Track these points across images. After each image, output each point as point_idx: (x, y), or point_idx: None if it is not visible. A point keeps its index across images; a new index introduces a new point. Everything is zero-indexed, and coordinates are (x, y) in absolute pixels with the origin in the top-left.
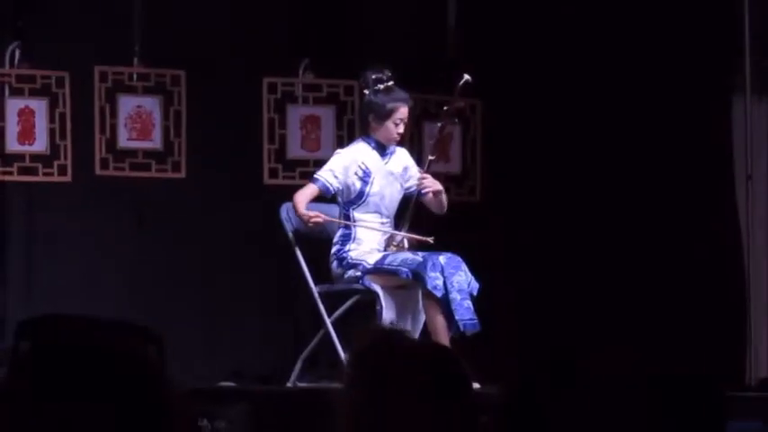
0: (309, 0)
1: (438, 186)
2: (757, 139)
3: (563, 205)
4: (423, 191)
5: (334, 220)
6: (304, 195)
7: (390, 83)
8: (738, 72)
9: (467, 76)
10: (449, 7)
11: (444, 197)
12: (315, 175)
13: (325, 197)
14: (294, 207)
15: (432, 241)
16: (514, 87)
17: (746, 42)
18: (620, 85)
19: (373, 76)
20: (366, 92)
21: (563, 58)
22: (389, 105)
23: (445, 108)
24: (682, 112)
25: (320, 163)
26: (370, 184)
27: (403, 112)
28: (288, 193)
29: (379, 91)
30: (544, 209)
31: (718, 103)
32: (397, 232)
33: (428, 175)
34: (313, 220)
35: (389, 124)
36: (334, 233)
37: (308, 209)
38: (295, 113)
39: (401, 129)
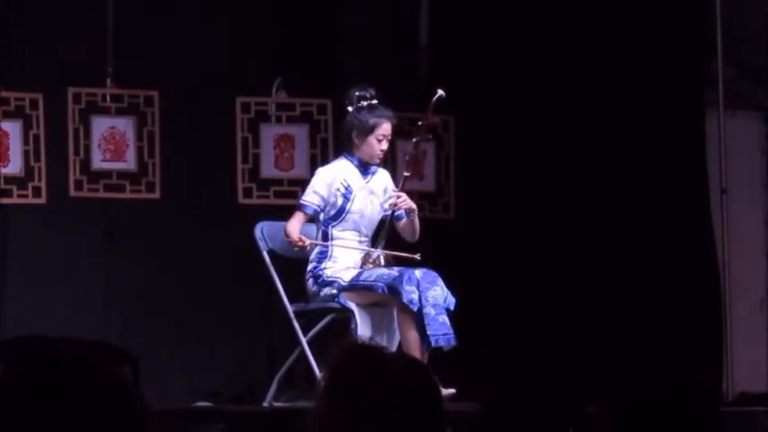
0: (282, 19)
1: (411, 204)
2: (730, 154)
3: (537, 220)
4: (396, 208)
5: (317, 242)
6: (294, 226)
7: (374, 101)
8: (712, 87)
9: (440, 92)
10: (421, 24)
11: (417, 222)
12: (301, 202)
13: (313, 218)
14: (288, 237)
15: (419, 258)
16: (487, 103)
17: (719, 57)
18: (594, 98)
19: (357, 93)
20: (349, 109)
21: (536, 73)
22: (372, 121)
23: (420, 123)
24: (656, 126)
25: (294, 182)
26: (350, 201)
27: (386, 128)
28: (262, 213)
29: (362, 108)
30: (519, 224)
31: (692, 117)
32: (375, 250)
33: (402, 193)
34: (299, 245)
35: (372, 140)
36: (311, 251)
37: (291, 232)
38: (268, 133)
39: (384, 145)
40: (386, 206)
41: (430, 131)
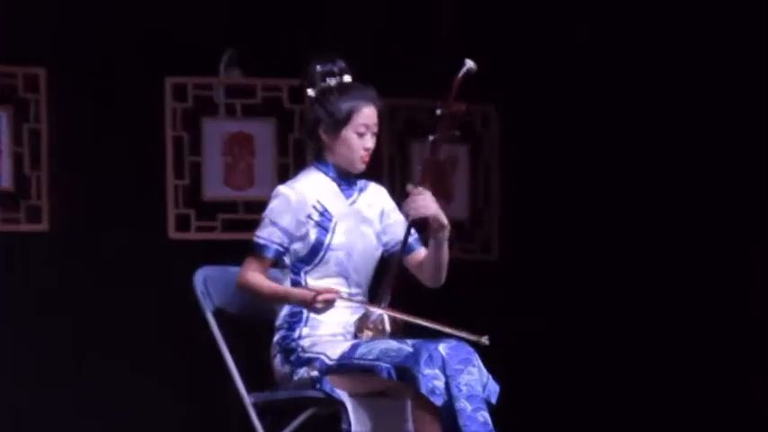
0: None
1: (430, 210)
2: None
3: (617, 262)
4: (408, 216)
5: (354, 300)
6: (254, 277)
7: (346, 77)
8: None
9: (469, 64)
10: None
11: (446, 249)
12: (254, 241)
13: (277, 264)
14: (252, 291)
15: (486, 342)
16: (545, 84)
17: None
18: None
19: (319, 69)
20: (310, 92)
21: (608, 43)
22: (346, 106)
23: (438, 113)
24: (713, 139)
25: (254, 207)
26: (330, 232)
27: (368, 114)
28: (205, 253)
29: (328, 90)
30: (590, 267)
31: (752, 118)
32: (376, 310)
33: (424, 191)
34: (331, 296)
35: (350, 135)
36: (276, 310)
37: (267, 286)
38: (215, 131)
39: (369, 142)
40: (385, 240)
41: (455, 126)
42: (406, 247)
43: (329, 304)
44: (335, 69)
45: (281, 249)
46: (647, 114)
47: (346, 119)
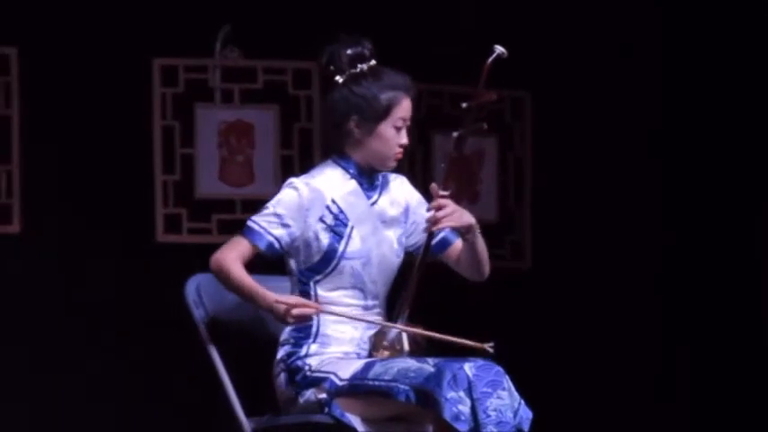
0: None
1: (464, 219)
2: None
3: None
4: (434, 229)
5: (341, 313)
6: (232, 262)
7: (373, 62)
8: None
9: (499, 49)
10: None
11: (482, 243)
12: (248, 223)
13: (265, 259)
14: (221, 276)
15: (491, 350)
16: (585, 70)
17: None
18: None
19: (350, 52)
20: (338, 79)
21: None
22: (386, 97)
23: (464, 105)
24: None
25: (252, 206)
26: (345, 238)
27: (407, 106)
28: (198, 258)
29: (361, 76)
30: (627, 277)
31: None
32: (394, 326)
33: (447, 201)
34: (307, 311)
35: (387, 129)
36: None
37: (240, 276)
38: (209, 119)
39: (404, 138)
40: (408, 242)
41: (482, 117)
42: (429, 252)
43: (304, 320)
44: (366, 52)
45: (276, 246)
46: (697, 105)
47: (386, 111)
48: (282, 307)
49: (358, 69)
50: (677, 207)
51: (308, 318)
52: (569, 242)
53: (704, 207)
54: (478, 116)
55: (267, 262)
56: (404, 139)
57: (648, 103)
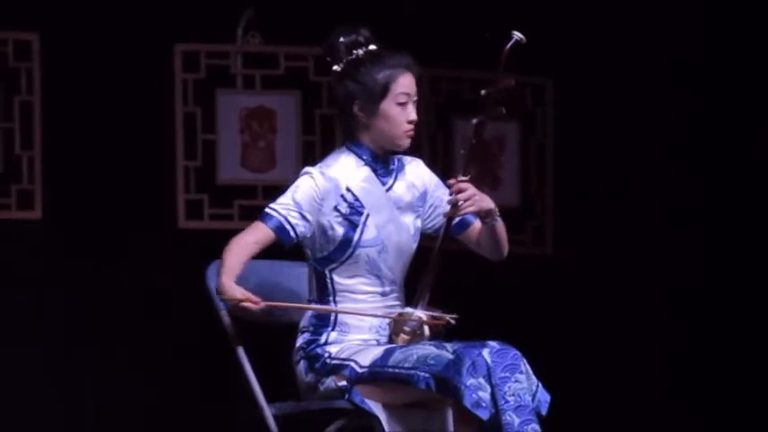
0: None
1: (484, 203)
2: None
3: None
4: (455, 214)
5: (292, 305)
6: (244, 245)
7: (372, 46)
8: None
9: (517, 35)
10: None
11: (501, 225)
12: (267, 210)
13: (281, 246)
14: (221, 267)
15: (452, 321)
16: (609, 56)
17: None
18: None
19: (343, 40)
20: (336, 68)
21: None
22: (381, 76)
23: (483, 92)
24: None
25: (274, 191)
26: (361, 226)
27: (406, 82)
28: (219, 244)
29: (358, 61)
30: (650, 263)
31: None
32: (414, 311)
33: (467, 185)
34: (245, 304)
35: (390, 107)
36: (301, 312)
37: (229, 255)
38: (231, 105)
39: (412, 113)
40: (426, 225)
41: (502, 103)
42: (449, 233)
43: (246, 311)
44: (361, 39)
45: (292, 234)
46: (727, 91)
47: (384, 90)
48: (236, 300)
49: (354, 56)
50: (703, 196)
51: (250, 311)
52: (590, 228)
53: (728, 199)
54: (497, 102)
55: (287, 249)
56: (411, 115)
57: (675, 89)
